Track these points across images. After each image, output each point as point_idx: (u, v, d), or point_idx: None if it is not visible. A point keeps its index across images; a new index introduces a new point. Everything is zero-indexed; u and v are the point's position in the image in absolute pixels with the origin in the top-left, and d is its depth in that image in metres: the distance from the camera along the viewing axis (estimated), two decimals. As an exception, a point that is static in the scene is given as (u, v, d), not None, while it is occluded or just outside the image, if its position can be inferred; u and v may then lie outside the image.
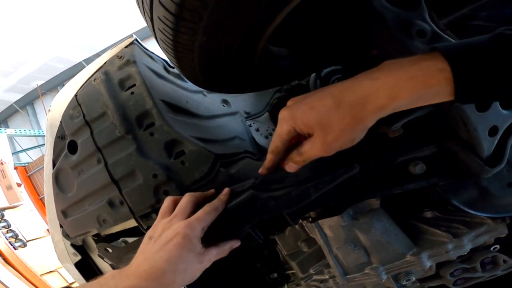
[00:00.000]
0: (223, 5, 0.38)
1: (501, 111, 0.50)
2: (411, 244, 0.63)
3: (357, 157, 0.57)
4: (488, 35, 0.39)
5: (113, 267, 0.75)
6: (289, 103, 0.48)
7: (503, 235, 0.61)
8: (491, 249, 0.67)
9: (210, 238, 0.54)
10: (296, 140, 0.48)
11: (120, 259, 0.70)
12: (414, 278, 0.66)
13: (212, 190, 0.60)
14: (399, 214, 0.64)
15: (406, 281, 0.67)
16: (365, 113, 0.41)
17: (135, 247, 0.67)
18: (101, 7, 5.66)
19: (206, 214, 0.52)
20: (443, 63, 0.37)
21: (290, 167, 0.50)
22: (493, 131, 0.50)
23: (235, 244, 0.57)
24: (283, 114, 0.47)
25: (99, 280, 0.50)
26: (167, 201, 0.57)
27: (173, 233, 0.49)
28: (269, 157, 0.51)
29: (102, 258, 0.70)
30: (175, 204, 0.56)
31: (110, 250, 0.70)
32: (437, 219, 0.64)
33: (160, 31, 0.43)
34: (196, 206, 0.55)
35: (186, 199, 0.55)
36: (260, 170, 0.54)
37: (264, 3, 0.40)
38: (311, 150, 0.45)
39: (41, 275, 3.77)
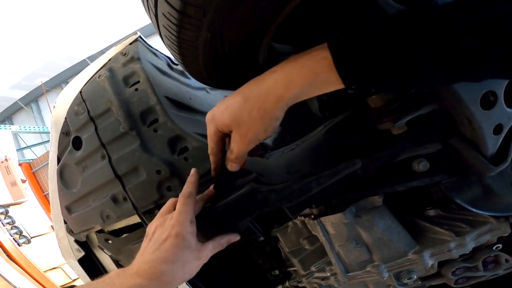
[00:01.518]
0: (227, 1, 0.38)
1: (506, 109, 0.50)
2: (413, 242, 0.63)
3: (360, 153, 0.56)
4: (371, 21, 0.41)
5: (113, 259, 0.76)
6: (216, 106, 0.51)
7: (506, 234, 0.61)
8: (493, 248, 0.66)
9: (209, 232, 0.54)
10: (229, 140, 0.51)
11: (120, 250, 0.70)
12: (415, 277, 0.66)
13: (211, 187, 0.60)
14: (401, 212, 0.64)
15: (407, 279, 0.66)
16: (268, 104, 0.44)
17: (134, 238, 0.68)
18: (105, 5, 5.67)
19: (184, 205, 0.52)
20: (326, 52, 0.40)
21: (230, 166, 0.52)
22: (498, 129, 0.50)
23: (234, 238, 0.57)
24: (207, 117, 0.51)
25: (104, 279, 0.52)
26: (169, 202, 0.58)
27: (166, 233, 0.50)
28: (211, 158, 0.54)
29: (102, 249, 0.71)
30: (176, 205, 0.56)
31: (110, 241, 0.70)
32: (439, 217, 0.64)
33: (165, 27, 0.43)
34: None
35: (168, 203, 0.56)
36: (212, 173, 0.56)
37: (267, 0, 0.40)
38: (234, 146, 0.49)
39: (44, 271, 3.80)
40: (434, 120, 0.53)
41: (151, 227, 0.54)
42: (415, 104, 0.51)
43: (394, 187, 0.56)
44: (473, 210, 0.56)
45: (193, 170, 0.58)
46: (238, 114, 0.46)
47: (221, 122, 0.48)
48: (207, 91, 0.94)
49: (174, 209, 0.55)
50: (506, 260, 0.68)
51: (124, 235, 0.70)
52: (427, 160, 0.54)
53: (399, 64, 0.38)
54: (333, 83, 0.41)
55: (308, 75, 0.41)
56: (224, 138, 0.52)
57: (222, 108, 0.49)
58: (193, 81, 0.87)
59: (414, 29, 0.37)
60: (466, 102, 0.47)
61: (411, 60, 0.37)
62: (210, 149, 0.53)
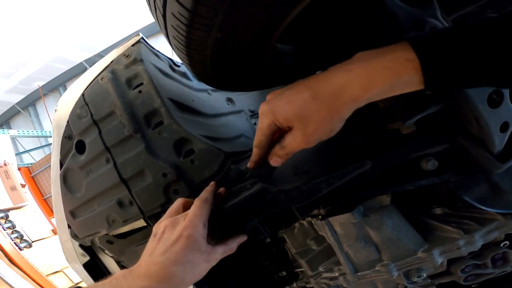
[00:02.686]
0: (239, 1, 0.37)
1: (513, 107, 0.49)
2: (422, 240, 0.62)
3: (370, 153, 0.56)
4: (454, 24, 0.40)
5: (116, 260, 0.74)
6: (268, 97, 0.48)
7: (514, 231, 0.60)
8: (501, 245, 0.66)
9: (218, 232, 0.53)
10: (279, 134, 0.49)
11: (123, 252, 0.69)
12: (425, 275, 0.65)
13: (222, 189, 0.59)
14: (409, 211, 0.64)
15: (417, 277, 0.66)
16: (341, 104, 0.42)
17: (138, 239, 0.66)
18: (102, 8, 5.63)
19: (199, 208, 0.52)
20: (411, 53, 0.38)
21: (275, 161, 0.50)
22: (504, 127, 0.50)
23: (242, 239, 0.56)
24: (263, 108, 0.48)
25: (111, 280, 0.50)
26: (177, 202, 0.57)
27: (177, 234, 0.49)
28: (254, 151, 0.52)
29: (103, 251, 0.70)
30: (184, 206, 0.56)
31: (113, 243, 0.69)
32: (447, 216, 0.63)
33: (173, 27, 0.42)
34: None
35: (176, 203, 0.56)
36: (248, 164, 0.54)
37: (280, 1, 0.39)
38: (292, 143, 0.46)
39: (46, 275, 3.77)
40: (442, 119, 0.52)
41: (159, 227, 0.53)
42: (423, 103, 0.51)
43: (404, 186, 0.56)
44: (481, 207, 0.56)
45: (213, 183, 0.58)
46: (304, 111, 0.43)
47: (282, 117, 0.45)
48: (208, 93, 0.93)
49: (183, 209, 0.55)
50: (514, 257, 0.68)
51: (128, 237, 0.69)
52: (435, 158, 0.53)
53: (488, 68, 0.37)
54: (414, 86, 0.40)
55: (391, 77, 0.39)
56: (276, 132, 0.49)
57: (283, 102, 0.45)
58: (195, 83, 0.86)
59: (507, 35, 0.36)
60: (474, 101, 0.46)
61: (502, 65, 0.36)
62: (257, 142, 0.50)
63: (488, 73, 0.37)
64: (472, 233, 0.59)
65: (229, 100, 1.02)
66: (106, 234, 0.70)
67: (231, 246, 0.54)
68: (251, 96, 1.10)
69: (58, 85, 7.89)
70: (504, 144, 0.52)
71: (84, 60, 6.96)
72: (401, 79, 0.39)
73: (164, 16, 0.41)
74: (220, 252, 0.53)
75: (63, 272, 3.97)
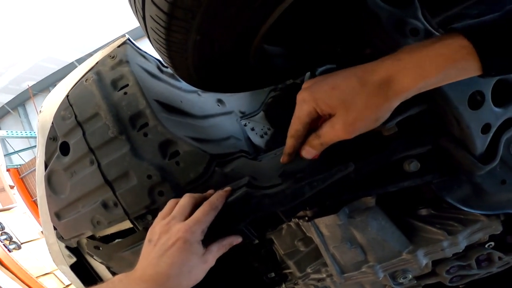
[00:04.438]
0: (216, 3, 0.38)
1: (493, 108, 0.51)
2: (407, 241, 0.64)
3: (352, 155, 0.57)
4: (497, 13, 0.40)
5: (105, 266, 0.75)
6: (306, 85, 0.47)
7: (498, 232, 0.62)
8: (486, 246, 0.68)
9: (207, 236, 0.54)
10: (313, 125, 0.48)
11: (111, 257, 0.69)
12: (411, 276, 0.67)
13: (210, 191, 0.60)
14: (394, 212, 0.65)
15: (403, 279, 0.67)
16: (391, 93, 0.41)
17: (127, 244, 0.67)
18: (93, 7, 5.61)
19: (205, 214, 0.51)
20: (463, 40, 0.38)
21: (308, 152, 0.49)
22: (486, 128, 0.51)
23: (236, 240, 0.57)
24: (302, 95, 0.46)
25: (107, 284, 0.51)
26: (170, 202, 0.57)
27: (173, 238, 0.49)
28: (289, 142, 0.50)
29: (92, 256, 0.70)
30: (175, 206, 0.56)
31: (100, 248, 0.69)
32: (432, 217, 0.65)
33: (153, 30, 0.43)
34: (195, 208, 0.55)
35: (185, 200, 0.55)
36: (282, 159, 0.53)
37: (259, 2, 0.40)
38: (330, 132, 0.44)
39: (37, 277, 3.75)
40: (423, 120, 0.54)
41: (154, 232, 0.53)
42: (404, 105, 0.52)
43: (386, 187, 0.57)
44: (464, 208, 0.58)
45: (228, 188, 0.57)
46: (350, 97, 0.41)
47: (325, 103, 0.43)
48: (198, 94, 0.93)
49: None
50: (499, 258, 0.69)
51: (116, 241, 0.69)
52: (417, 160, 0.54)
53: None
54: (471, 72, 0.40)
55: (445, 63, 0.39)
56: (315, 121, 0.47)
57: (326, 88, 0.43)
58: (184, 84, 0.87)
59: None
60: (454, 102, 0.48)
61: None
62: (293, 131, 0.48)
63: None
64: (455, 234, 0.61)
65: (219, 101, 1.03)
66: (93, 239, 0.70)
67: (223, 244, 0.55)
68: (242, 97, 1.11)
69: (48, 85, 7.84)
70: (486, 145, 0.53)
71: (75, 60, 6.93)
72: (457, 65, 0.39)
73: (144, 18, 0.42)
74: (215, 250, 0.53)
75: (54, 274, 3.95)
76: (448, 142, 0.53)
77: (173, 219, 0.52)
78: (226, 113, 1.00)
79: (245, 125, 1.05)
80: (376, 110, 0.42)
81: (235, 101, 1.07)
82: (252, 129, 1.04)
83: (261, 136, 1.03)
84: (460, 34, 0.39)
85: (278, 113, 1.06)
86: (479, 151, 0.52)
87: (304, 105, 0.46)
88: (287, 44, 0.72)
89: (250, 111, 1.09)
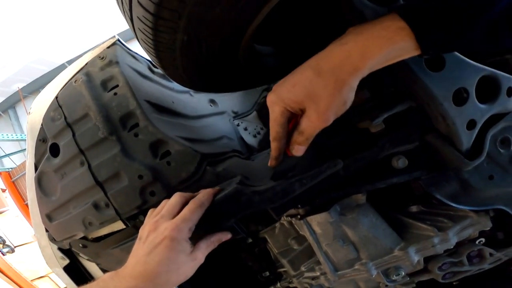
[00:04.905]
0: (201, 4, 0.39)
1: (478, 105, 0.53)
2: (398, 238, 0.65)
3: (343, 152, 0.59)
4: None
5: (96, 264, 0.76)
6: (274, 87, 0.50)
7: (487, 228, 0.64)
8: (477, 242, 0.69)
9: (196, 233, 0.55)
10: (293, 124, 0.50)
11: (98, 254, 0.70)
12: (403, 273, 0.68)
13: (201, 190, 0.61)
14: (386, 209, 0.67)
15: (396, 276, 0.69)
16: (345, 75, 0.44)
17: (114, 241, 0.68)
18: (83, 9, 5.60)
19: (192, 212, 0.53)
20: (400, 21, 0.42)
21: (297, 150, 0.51)
22: (471, 124, 0.53)
23: (225, 236, 0.58)
24: (270, 98, 0.49)
25: (98, 282, 0.53)
26: (162, 203, 0.58)
27: (160, 236, 0.51)
28: (273, 145, 0.53)
29: (78, 255, 0.71)
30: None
31: (87, 247, 0.70)
32: (422, 213, 0.67)
33: (141, 31, 0.44)
34: (184, 207, 0.56)
35: (174, 199, 0.57)
36: (269, 163, 0.55)
37: (242, 2, 0.41)
38: (310, 125, 0.47)
39: (31, 280, 3.75)
40: (410, 117, 0.55)
41: (144, 230, 0.55)
42: (391, 102, 0.54)
43: (375, 184, 0.58)
44: (453, 204, 0.59)
45: (217, 188, 0.59)
46: (311, 89, 0.45)
47: (292, 100, 0.46)
48: (190, 94, 0.95)
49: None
50: (491, 254, 0.71)
51: (103, 239, 0.70)
52: (405, 156, 0.56)
53: (474, 24, 0.40)
54: (410, 51, 0.43)
55: (386, 44, 0.42)
56: (290, 119, 0.50)
57: (289, 87, 0.47)
58: (176, 84, 0.88)
59: None
60: (439, 99, 0.49)
61: (485, 23, 0.39)
62: (275, 134, 0.51)
63: (475, 29, 0.40)
64: (446, 230, 0.62)
65: (212, 101, 1.04)
66: (82, 238, 0.71)
67: (212, 240, 0.56)
68: (235, 97, 1.13)
69: (39, 87, 7.80)
70: (472, 141, 0.55)
71: (66, 62, 6.90)
72: (396, 45, 0.42)
73: (131, 19, 0.43)
74: (203, 247, 0.54)
75: (49, 277, 3.94)
76: (434, 138, 0.54)
77: (161, 218, 0.54)
78: (218, 113, 1.01)
79: (238, 125, 1.06)
80: (339, 94, 0.44)
81: (228, 101, 1.09)
82: (245, 129, 1.05)
83: (254, 136, 1.04)
84: (397, 15, 0.42)
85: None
86: (465, 147, 0.54)
87: (275, 107, 0.49)
88: (277, 44, 0.73)
89: (243, 111, 1.10)
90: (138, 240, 0.54)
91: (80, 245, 0.70)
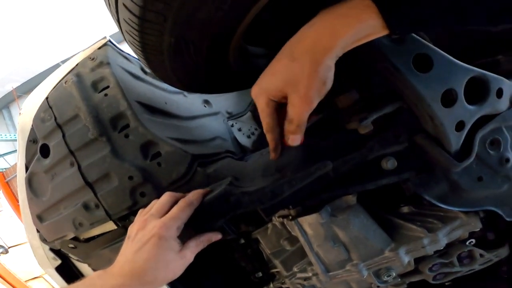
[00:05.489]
0: (187, 6, 0.40)
1: (467, 106, 0.53)
2: (388, 239, 0.66)
3: (333, 154, 0.59)
4: None
5: (88, 264, 0.76)
6: (257, 81, 0.52)
7: (477, 229, 0.65)
8: (467, 243, 0.70)
9: (185, 233, 0.56)
10: (282, 112, 0.51)
11: (88, 255, 0.71)
12: (394, 274, 0.69)
13: (192, 192, 0.62)
14: (376, 210, 0.67)
15: (387, 277, 0.69)
16: (319, 56, 0.44)
17: (103, 242, 0.69)
18: (78, 8, 5.59)
19: (181, 211, 0.54)
20: (368, 0, 0.42)
21: (292, 140, 0.52)
22: (459, 126, 0.53)
23: (215, 236, 0.59)
24: (254, 91, 0.51)
25: (85, 281, 0.54)
26: (152, 202, 0.59)
27: (148, 235, 0.52)
28: (268, 137, 0.54)
29: (67, 255, 0.72)
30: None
31: (76, 247, 0.70)
32: (412, 214, 0.67)
33: (128, 33, 0.45)
34: (174, 206, 0.57)
35: (164, 198, 0.58)
36: (271, 156, 0.56)
37: (229, 4, 0.42)
38: (295, 111, 0.48)
39: (26, 281, 3.75)
40: (400, 118, 0.56)
41: (132, 229, 0.56)
42: (380, 103, 0.54)
43: (365, 186, 0.59)
44: (442, 206, 0.60)
45: (207, 189, 0.60)
46: (289, 75, 0.46)
47: (273, 88, 0.48)
48: (184, 95, 0.95)
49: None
50: (481, 255, 0.72)
51: (92, 241, 0.71)
52: (395, 158, 0.57)
53: (443, 5, 0.40)
54: (379, 30, 0.43)
55: (353, 23, 0.43)
56: (278, 109, 0.51)
57: (268, 76, 0.49)
58: (169, 85, 0.89)
59: None
60: (427, 100, 0.50)
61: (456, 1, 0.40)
62: (265, 125, 0.52)
63: (443, 5, 0.40)
64: (435, 231, 0.63)
65: (206, 102, 1.05)
66: (72, 239, 0.72)
67: (201, 239, 0.57)
68: (229, 98, 1.13)
69: (33, 86, 7.71)
70: (461, 143, 0.56)
71: (61, 61, 6.89)
72: (364, 23, 0.43)
73: (118, 21, 0.44)
74: (193, 246, 0.55)
75: (43, 278, 3.94)
76: (423, 139, 0.55)
77: (150, 216, 0.55)
78: (212, 114, 1.02)
79: (232, 125, 1.07)
80: (316, 74, 0.45)
81: (222, 101, 1.09)
82: (239, 130, 1.06)
83: (248, 137, 1.05)
84: None
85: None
86: (454, 148, 0.54)
87: (259, 99, 0.50)
88: (268, 44, 0.74)
89: (237, 111, 1.11)
90: (126, 239, 0.55)
91: (70, 245, 0.70)
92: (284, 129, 0.51)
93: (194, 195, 0.57)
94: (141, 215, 0.57)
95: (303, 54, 0.45)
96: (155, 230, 0.52)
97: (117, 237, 0.68)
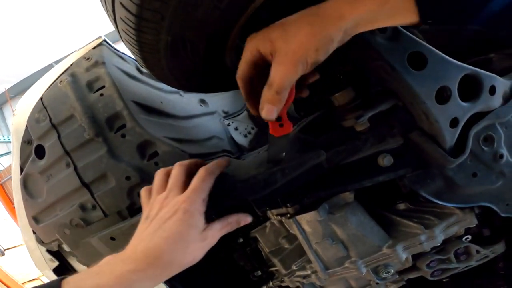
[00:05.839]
0: (184, 5, 0.40)
1: (461, 103, 0.55)
2: (386, 236, 0.67)
3: (326, 150, 0.60)
4: None
5: (79, 261, 0.75)
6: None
7: (473, 225, 0.66)
8: (463, 239, 0.72)
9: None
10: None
11: (77, 243, 0.68)
12: (393, 271, 0.70)
13: (201, 160, 0.58)
14: (373, 207, 0.68)
15: (385, 273, 0.71)
16: (326, 20, 0.41)
17: (95, 230, 0.66)
18: (71, 8, 5.56)
19: (203, 181, 0.50)
20: None
21: (267, 110, 0.45)
22: (454, 122, 0.54)
23: (244, 218, 0.55)
24: (248, 38, 0.46)
25: (93, 268, 0.47)
26: (159, 174, 0.54)
27: (172, 210, 0.47)
28: (240, 85, 0.49)
29: (62, 244, 0.70)
30: (168, 176, 0.54)
31: (68, 232, 0.68)
32: (409, 211, 0.69)
33: (124, 32, 0.45)
34: (190, 175, 0.52)
35: (177, 170, 0.53)
36: (251, 111, 0.51)
37: (226, 2, 0.43)
38: (277, 72, 0.43)
39: (23, 283, 3.73)
40: (395, 116, 0.57)
41: (152, 208, 0.50)
42: (375, 101, 0.55)
43: (362, 182, 0.60)
44: (438, 202, 0.61)
45: (227, 158, 0.56)
46: (288, 29, 0.42)
47: (266, 36, 0.43)
48: (180, 95, 0.96)
49: (167, 180, 0.53)
50: (477, 251, 0.73)
51: (83, 228, 0.68)
52: (391, 154, 0.58)
53: None
54: (405, 14, 0.39)
55: None
56: (259, 65, 0.46)
57: (267, 29, 0.44)
58: (165, 85, 0.89)
59: None
60: (422, 97, 0.51)
61: None
62: (240, 72, 0.47)
63: None
64: (432, 228, 0.64)
65: (202, 101, 1.05)
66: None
67: (229, 220, 0.52)
68: (225, 97, 1.14)
69: (26, 87, 7.67)
70: (455, 139, 0.57)
71: (54, 62, 6.84)
72: (390, 3, 0.39)
73: (115, 20, 0.44)
74: (218, 228, 0.50)
75: (40, 280, 3.92)
76: (418, 136, 0.56)
77: (171, 192, 0.50)
78: (209, 113, 1.02)
79: (228, 124, 1.07)
80: (313, 37, 0.41)
81: (219, 101, 1.10)
82: (236, 129, 1.07)
83: (245, 136, 1.06)
84: None
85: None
86: (448, 144, 0.56)
87: (248, 44, 0.46)
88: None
89: (234, 110, 1.11)
90: (144, 220, 0.50)
91: (63, 231, 0.68)
92: (262, 96, 0.46)
93: (214, 164, 0.53)
94: (157, 193, 0.52)
95: (310, 15, 0.42)
96: (178, 204, 0.47)
97: (107, 226, 0.65)
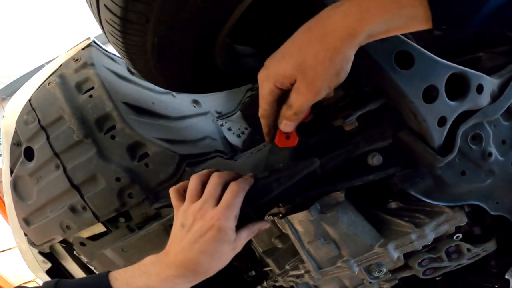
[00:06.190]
0: (169, 6, 0.41)
1: (448, 102, 0.55)
2: (378, 235, 0.68)
3: (321, 151, 0.61)
4: None
5: (81, 265, 0.76)
6: (265, 62, 0.47)
7: (463, 224, 0.67)
8: (454, 238, 0.72)
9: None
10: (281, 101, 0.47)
11: (93, 255, 0.71)
12: (385, 270, 0.71)
13: (237, 173, 0.59)
14: (364, 206, 0.69)
15: (378, 272, 0.71)
16: (337, 42, 0.39)
17: (108, 242, 0.69)
18: (62, 9, 5.52)
19: (236, 197, 0.52)
20: None
21: (285, 125, 0.48)
22: (441, 121, 0.55)
23: (264, 225, 0.59)
24: (261, 74, 0.47)
25: (139, 266, 0.53)
26: (194, 181, 0.56)
27: (207, 226, 0.50)
28: (262, 122, 0.51)
29: (79, 255, 0.72)
30: (202, 184, 0.55)
31: (85, 244, 0.71)
32: (400, 210, 0.69)
33: (110, 34, 0.45)
34: (224, 187, 0.54)
35: (214, 181, 0.54)
36: (265, 139, 0.53)
37: (212, 3, 0.43)
38: (298, 97, 0.44)
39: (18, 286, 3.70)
40: (383, 115, 0.58)
41: (187, 216, 0.53)
42: (364, 100, 0.56)
43: (352, 182, 0.61)
44: (427, 200, 0.62)
45: (251, 175, 0.58)
46: (301, 58, 0.41)
47: (280, 74, 0.43)
48: (172, 95, 0.96)
49: (202, 188, 0.54)
50: (468, 250, 0.74)
51: (98, 240, 0.71)
52: (380, 154, 0.59)
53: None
54: (419, 20, 0.38)
55: (391, 7, 0.37)
56: (280, 97, 0.46)
57: (277, 59, 0.44)
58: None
59: None
60: (409, 96, 0.52)
61: None
62: (262, 111, 0.49)
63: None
64: (423, 226, 0.65)
65: (195, 102, 1.05)
66: (66, 240, 0.72)
67: (252, 229, 0.56)
68: (218, 98, 1.14)
69: (17, 88, 7.60)
70: (443, 138, 0.57)
71: (46, 62, 6.79)
72: (403, 10, 0.37)
73: (100, 22, 0.45)
74: (244, 237, 0.55)
75: (36, 282, 3.89)
76: (407, 135, 0.57)
77: (205, 204, 0.52)
78: (202, 113, 1.03)
79: (221, 125, 1.08)
80: (331, 63, 0.40)
81: (212, 101, 1.10)
82: (229, 129, 1.07)
83: (238, 136, 1.06)
84: None
85: (255, 112, 1.09)
86: (437, 143, 0.56)
87: (264, 83, 0.46)
88: (256, 43, 0.75)
89: (227, 111, 1.12)
90: (180, 227, 0.53)
91: (79, 243, 0.70)
92: (280, 112, 0.48)
93: (245, 180, 0.55)
94: (191, 201, 0.54)
95: (320, 37, 0.40)
96: (213, 221, 0.50)
97: (119, 238, 0.67)
